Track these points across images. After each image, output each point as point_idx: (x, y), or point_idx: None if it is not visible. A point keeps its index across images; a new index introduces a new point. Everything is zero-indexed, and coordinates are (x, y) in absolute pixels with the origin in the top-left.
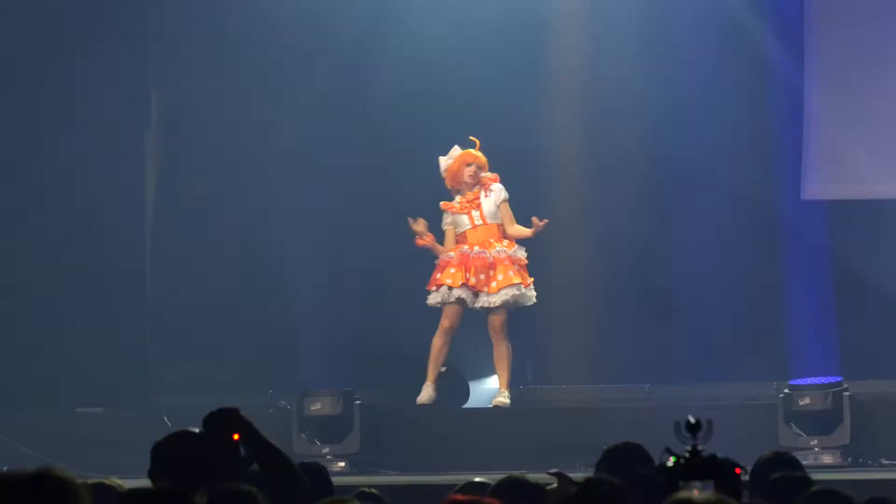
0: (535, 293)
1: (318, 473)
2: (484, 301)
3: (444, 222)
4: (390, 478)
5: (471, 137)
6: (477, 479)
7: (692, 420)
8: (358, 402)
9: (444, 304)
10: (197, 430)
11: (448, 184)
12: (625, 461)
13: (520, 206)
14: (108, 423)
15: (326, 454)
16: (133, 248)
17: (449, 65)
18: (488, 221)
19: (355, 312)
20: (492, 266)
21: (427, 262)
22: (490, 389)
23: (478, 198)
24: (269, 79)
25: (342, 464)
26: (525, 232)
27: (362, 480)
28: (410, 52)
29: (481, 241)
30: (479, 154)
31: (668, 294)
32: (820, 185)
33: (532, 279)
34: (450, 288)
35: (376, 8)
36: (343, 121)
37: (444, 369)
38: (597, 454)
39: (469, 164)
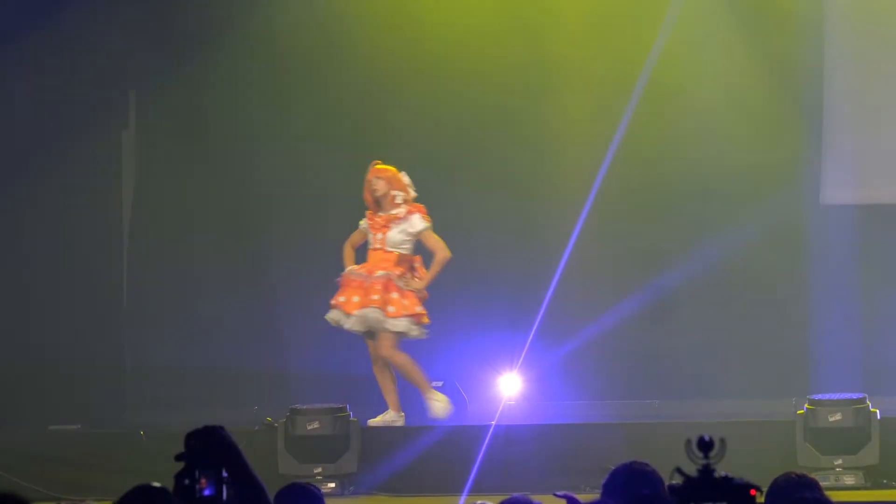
0: (404, 323)
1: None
2: (348, 323)
3: (362, 220)
4: (386, 499)
5: (376, 160)
6: (479, 502)
7: (704, 438)
8: (354, 420)
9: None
10: (159, 485)
11: None
12: (632, 482)
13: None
14: (83, 441)
15: (318, 474)
16: (109, 257)
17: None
18: (387, 248)
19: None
20: (365, 291)
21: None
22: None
23: (389, 223)
24: (265, 79)
25: (332, 485)
26: (434, 269)
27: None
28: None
29: (373, 265)
30: (383, 171)
31: (674, 302)
32: (840, 190)
33: (419, 311)
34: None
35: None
36: (343, 126)
37: (440, 383)
38: (602, 474)
39: (368, 181)
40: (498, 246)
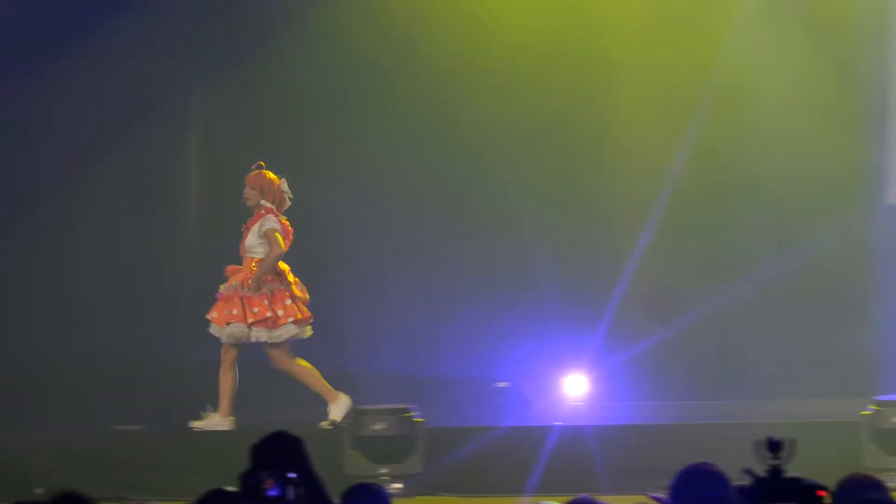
0: (259, 332)
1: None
2: (217, 332)
3: None
4: (451, 499)
5: (257, 164)
6: (543, 502)
7: (774, 439)
8: (419, 420)
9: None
10: (232, 490)
11: None
12: (698, 483)
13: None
14: (147, 442)
15: (383, 474)
16: (174, 258)
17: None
18: (246, 255)
19: (406, 327)
20: (225, 300)
21: (465, 281)
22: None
23: (247, 228)
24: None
25: (398, 485)
26: (260, 264)
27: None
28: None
29: (241, 274)
30: (257, 178)
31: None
32: None
33: (275, 314)
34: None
35: None
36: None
37: (506, 384)
38: (667, 475)
39: (244, 188)
40: (564, 247)
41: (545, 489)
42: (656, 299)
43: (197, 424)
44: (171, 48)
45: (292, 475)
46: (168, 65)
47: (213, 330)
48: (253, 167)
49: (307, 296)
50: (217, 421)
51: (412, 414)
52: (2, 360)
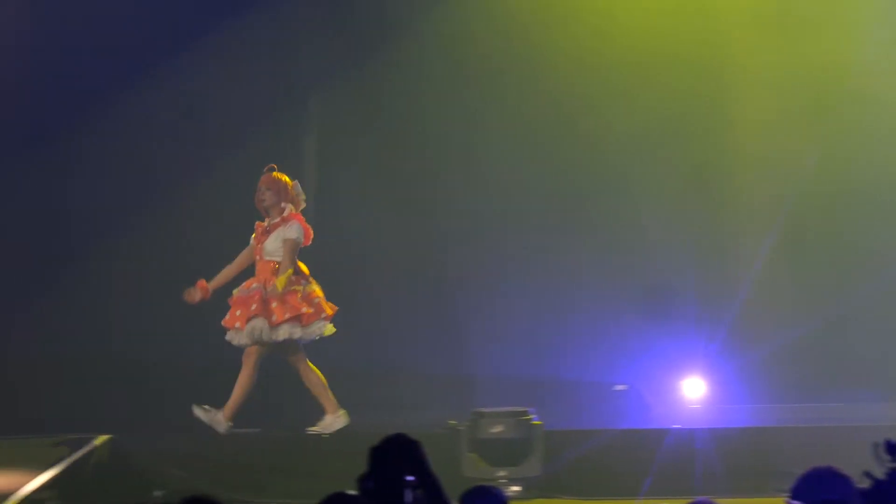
0: (284, 330)
1: (499, 500)
2: (236, 338)
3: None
4: (569, 502)
5: (270, 165)
6: None
7: (892, 442)
8: (537, 423)
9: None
10: (354, 493)
11: None
12: (821, 487)
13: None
14: (264, 445)
15: (501, 477)
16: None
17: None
18: (264, 258)
19: (525, 330)
20: (245, 302)
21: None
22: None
23: (267, 232)
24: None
25: (516, 487)
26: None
27: None
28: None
29: (259, 277)
30: (270, 180)
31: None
32: None
33: (304, 312)
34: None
35: None
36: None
37: (624, 387)
38: (786, 478)
39: (259, 189)
40: (685, 250)
41: (663, 492)
42: (778, 302)
43: (313, 429)
44: (292, 49)
45: (410, 478)
46: (288, 66)
47: (231, 336)
48: (265, 169)
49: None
50: (329, 421)
51: (530, 416)
52: (122, 364)
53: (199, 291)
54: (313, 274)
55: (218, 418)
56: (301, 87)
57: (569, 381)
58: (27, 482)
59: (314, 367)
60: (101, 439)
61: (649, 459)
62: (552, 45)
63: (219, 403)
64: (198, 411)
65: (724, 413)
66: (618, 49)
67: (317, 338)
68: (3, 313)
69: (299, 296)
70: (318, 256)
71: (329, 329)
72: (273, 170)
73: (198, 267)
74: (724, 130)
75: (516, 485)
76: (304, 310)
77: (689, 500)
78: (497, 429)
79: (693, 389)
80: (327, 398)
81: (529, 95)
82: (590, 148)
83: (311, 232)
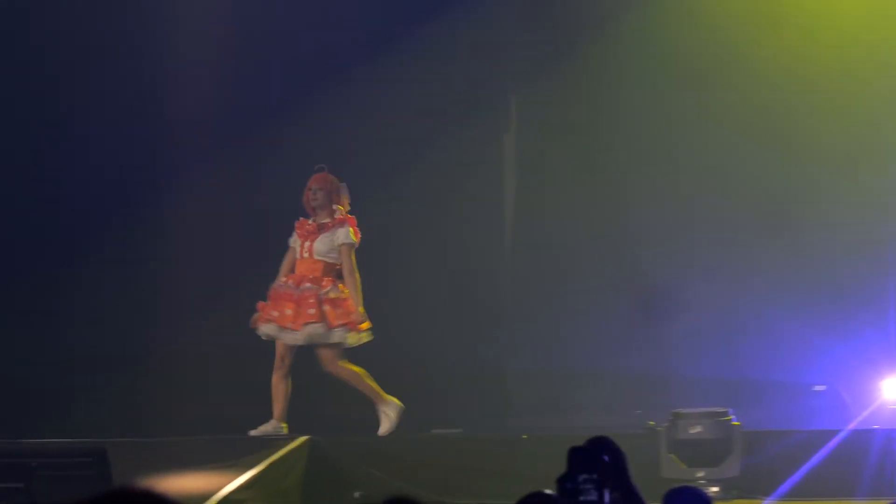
0: (346, 333)
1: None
2: (289, 338)
3: (291, 237)
4: None
5: (320, 165)
6: None
7: None
8: (736, 423)
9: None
10: (551, 493)
11: None
12: None
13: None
14: (465, 445)
15: (700, 478)
16: (490, 260)
17: None
18: (314, 257)
19: (723, 330)
20: (298, 303)
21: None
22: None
23: (317, 231)
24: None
25: (715, 489)
26: (351, 293)
27: None
28: None
29: (300, 275)
30: (324, 179)
31: None
32: None
33: (353, 319)
34: (265, 324)
35: None
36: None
37: (822, 388)
38: None
39: (310, 188)
40: (880, 250)
41: (865, 492)
42: None
43: (255, 432)
44: (491, 49)
45: (607, 480)
46: (486, 66)
47: (269, 329)
48: (315, 168)
49: None
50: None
51: (729, 417)
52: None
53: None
54: (521, 274)
55: (271, 427)
56: (500, 88)
57: (765, 381)
58: (228, 482)
59: (348, 364)
60: (300, 440)
61: (849, 460)
62: (753, 40)
63: (418, 402)
64: (255, 432)
65: None
66: (821, 48)
67: (357, 344)
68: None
69: (349, 301)
70: (519, 255)
71: (367, 336)
72: (323, 169)
73: None
74: (855, 124)
75: (715, 485)
76: (353, 316)
77: (890, 501)
78: (696, 429)
79: (893, 390)
80: (373, 390)
81: (726, 93)
82: (784, 146)
83: (359, 235)
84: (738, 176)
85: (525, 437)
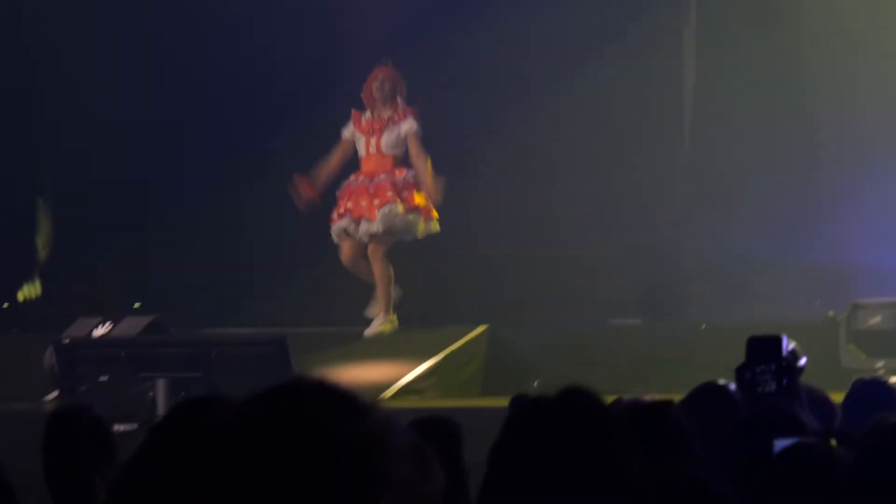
0: (419, 218)
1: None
2: (363, 229)
3: (345, 129)
4: None
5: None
6: None
7: None
8: None
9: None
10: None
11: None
12: None
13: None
14: (644, 335)
15: (879, 368)
16: (670, 152)
17: None
18: (383, 152)
19: None
20: (374, 194)
21: None
22: None
23: (383, 125)
24: None
25: (895, 379)
26: (426, 179)
27: None
28: None
29: (371, 170)
30: (391, 72)
31: None
32: None
33: (428, 206)
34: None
35: None
36: None
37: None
38: None
39: (376, 79)
40: None
41: None
42: None
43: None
44: (666, 48)
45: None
46: (662, 64)
47: (343, 223)
48: (382, 60)
49: None
50: (381, 321)
51: None
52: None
53: (305, 193)
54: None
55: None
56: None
57: None
58: (407, 372)
59: (390, 266)
60: (479, 329)
61: None
62: None
63: (596, 293)
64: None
65: None
66: None
67: (425, 235)
68: None
69: (423, 188)
70: (697, 146)
71: (435, 226)
72: (388, 62)
73: None
74: None
75: (895, 375)
76: (430, 201)
77: None
78: (876, 319)
79: None
80: (389, 299)
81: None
82: None
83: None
84: None
85: (704, 326)
